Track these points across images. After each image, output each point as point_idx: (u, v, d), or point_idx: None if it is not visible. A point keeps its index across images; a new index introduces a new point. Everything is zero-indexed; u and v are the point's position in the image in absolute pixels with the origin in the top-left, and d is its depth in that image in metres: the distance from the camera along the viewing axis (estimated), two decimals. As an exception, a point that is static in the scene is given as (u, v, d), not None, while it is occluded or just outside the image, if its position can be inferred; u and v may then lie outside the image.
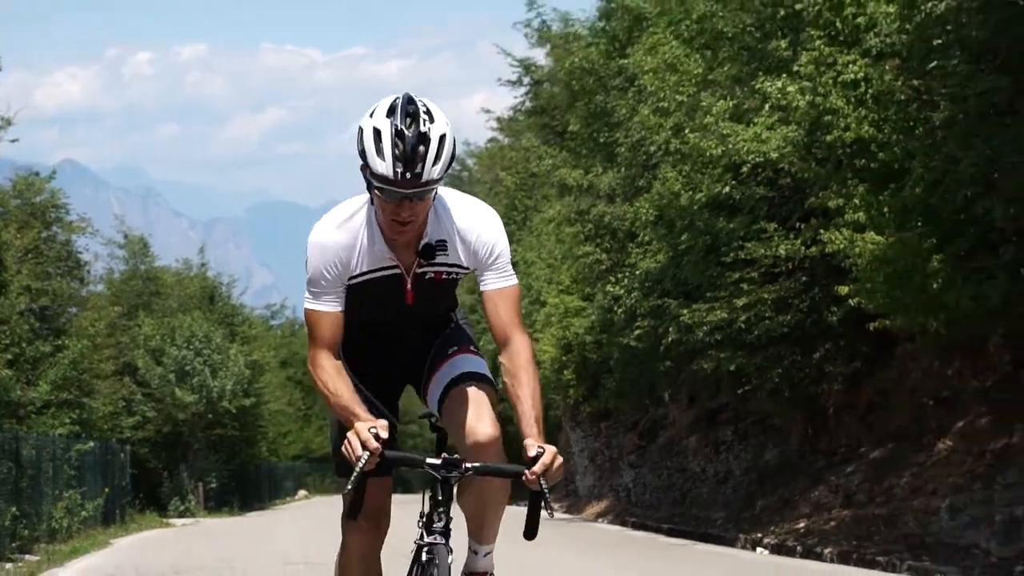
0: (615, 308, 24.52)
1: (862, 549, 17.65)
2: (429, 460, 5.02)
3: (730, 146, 18.63)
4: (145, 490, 43.44)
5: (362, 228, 5.16)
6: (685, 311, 20.83)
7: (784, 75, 17.78)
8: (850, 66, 16.44)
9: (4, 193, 31.75)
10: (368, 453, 4.81)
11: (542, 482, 4.85)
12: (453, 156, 4.97)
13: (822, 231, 17.60)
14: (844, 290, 17.17)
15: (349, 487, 4.92)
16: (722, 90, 19.73)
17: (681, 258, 21.69)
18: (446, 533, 5.11)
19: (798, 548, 19.05)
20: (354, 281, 5.20)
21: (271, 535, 26.30)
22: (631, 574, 16.04)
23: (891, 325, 16.72)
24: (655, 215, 22.15)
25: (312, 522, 30.26)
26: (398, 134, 4.85)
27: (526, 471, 4.86)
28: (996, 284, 15.30)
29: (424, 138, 4.86)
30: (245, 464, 56.00)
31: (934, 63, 14.44)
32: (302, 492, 75.08)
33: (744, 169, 19.08)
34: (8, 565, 20.28)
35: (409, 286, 5.23)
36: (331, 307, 5.20)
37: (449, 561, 5.07)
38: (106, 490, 31.89)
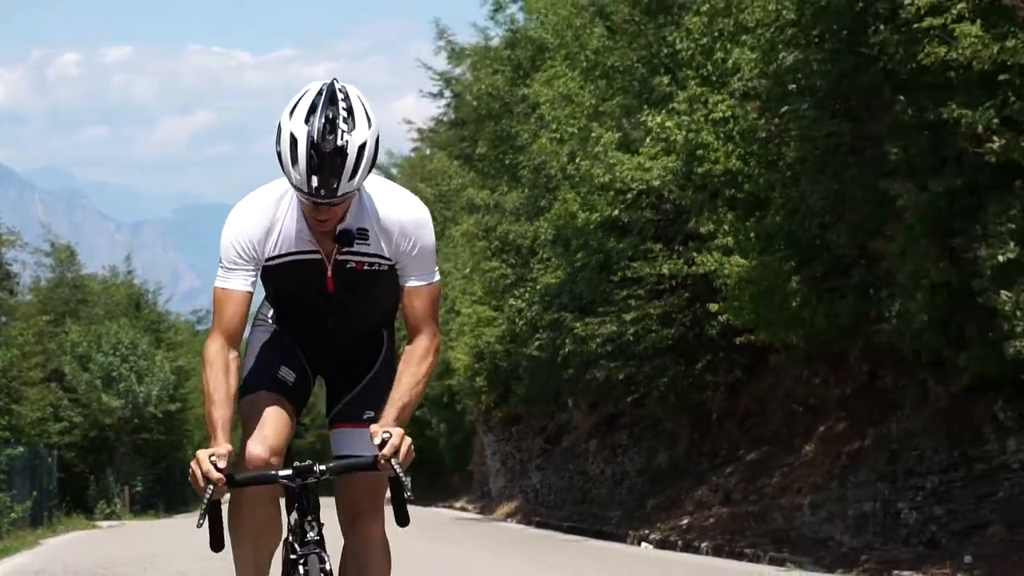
0: (517, 320, 26.20)
1: (734, 543, 19.38)
2: (281, 473, 4.98)
3: (617, 174, 20.29)
4: (72, 493, 44.49)
5: (286, 209, 5.06)
6: (579, 324, 22.52)
7: (664, 111, 19.47)
8: (719, 105, 18.16)
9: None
10: (212, 485, 4.80)
11: (394, 464, 4.82)
12: (375, 159, 4.85)
13: (695, 254, 19.32)
14: (715, 307, 18.91)
15: (200, 522, 4.90)
16: (611, 121, 21.40)
17: (577, 275, 23.37)
18: (320, 542, 5.06)
19: (679, 543, 20.76)
20: (273, 262, 5.10)
21: (194, 535, 27.57)
22: (522, 567, 17.65)
23: (756, 339, 18.46)
24: (553, 234, 23.81)
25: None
26: (314, 146, 4.71)
27: (379, 458, 4.83)
28: (846, 303, 17.09)
29: (341, 151, 4.72)
30: (171, 467, 57.08)
31: (786, 107, 16.16)
32: (227, 495, 76.12)
33: (629, 195, 20.76)
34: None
35: (329, 272, 5.10)
36: (239, 285, 5.07)
37: (328, 568, 5.02)
38: (34, 493, 33.07)
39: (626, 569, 17.26)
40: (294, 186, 4.82)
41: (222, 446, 4.87)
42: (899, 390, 17.87)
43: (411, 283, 5.15)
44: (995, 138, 12.76)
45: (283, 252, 5.09)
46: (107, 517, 45.39)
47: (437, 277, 5.21)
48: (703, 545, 19.94)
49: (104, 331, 49.11)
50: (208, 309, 78.60)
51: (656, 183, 19.83)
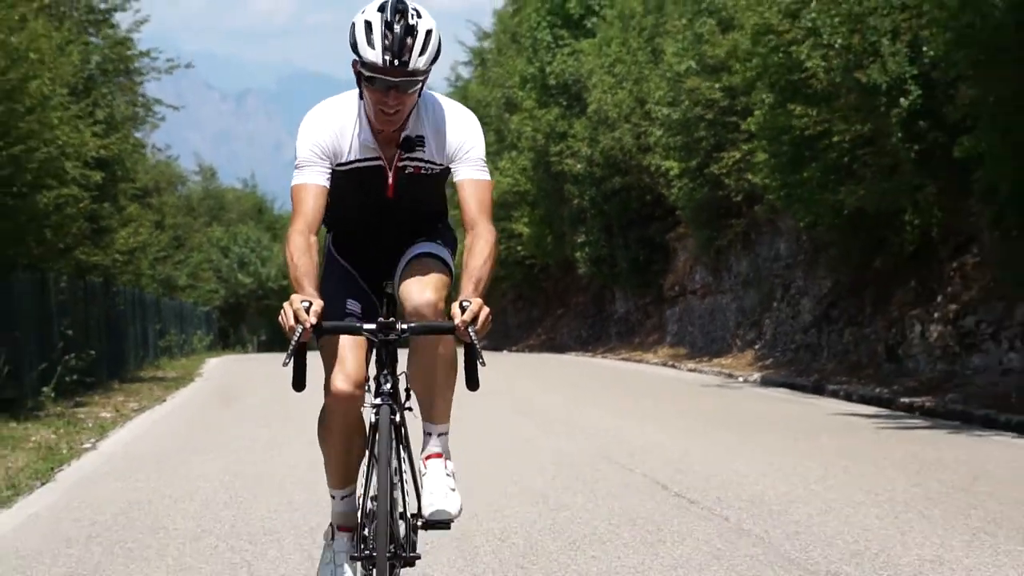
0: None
1: (584, 342, 41.49)
2: (365, 326, 5.30)
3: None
4: (220, 339, 66.86)
5: (354, 117, 5.52)
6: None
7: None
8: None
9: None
10: (301, 326, 5.09)
11: (470, 332, 5.06)
12: (439, 51, 5.36)
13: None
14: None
15: (286, 361, 5.14)
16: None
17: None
18: (393, 394, 5.42)
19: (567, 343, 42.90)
20: (341, 168, 5.50)
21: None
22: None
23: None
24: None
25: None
26: (387, 25, 5.27)
27: (457, 324, 5.09)
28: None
29: (412, 30, 5.29)
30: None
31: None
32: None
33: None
34: (177, 361, 44.16)
35: (390, 179, 5.53)
36: (316, 180, 5.43)
37: (396, 419, 5.44)
38: (210, 335, 55.97)
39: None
40: (369, 65, 5.32)
41: (313, 293, 5.26)
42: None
43: (463, 176, 5.50)
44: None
45: (352, 159, 5.52)
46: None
47: (488, 177, 5.57)
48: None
49: (238, 231, 69.46)
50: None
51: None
